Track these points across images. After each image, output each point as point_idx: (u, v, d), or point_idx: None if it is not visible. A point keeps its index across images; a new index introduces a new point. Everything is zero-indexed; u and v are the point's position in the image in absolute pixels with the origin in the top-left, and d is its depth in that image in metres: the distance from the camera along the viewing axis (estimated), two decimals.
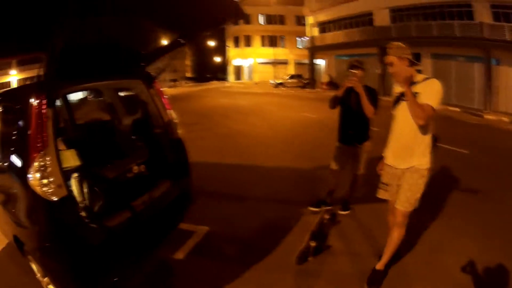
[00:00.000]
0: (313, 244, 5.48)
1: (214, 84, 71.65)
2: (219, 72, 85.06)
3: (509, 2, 27.30)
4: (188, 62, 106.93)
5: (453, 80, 30.93)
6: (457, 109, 25.76)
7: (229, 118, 21.91)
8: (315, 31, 52.45)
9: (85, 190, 4.44)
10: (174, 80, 73.36)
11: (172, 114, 5.94)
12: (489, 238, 6.08)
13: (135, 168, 5.55)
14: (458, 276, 5.03)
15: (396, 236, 4.80)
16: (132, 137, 6.33)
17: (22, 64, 48.38)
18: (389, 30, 38.05)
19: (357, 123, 6.56)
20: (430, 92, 4.21)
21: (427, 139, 4.46)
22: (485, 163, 11.20)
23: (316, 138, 15.25)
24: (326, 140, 13.28)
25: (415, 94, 4.22)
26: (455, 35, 30.40)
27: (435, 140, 4.61)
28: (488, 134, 18.13)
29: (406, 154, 4.53)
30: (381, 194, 4.96)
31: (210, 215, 7.16)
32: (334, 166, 6.95)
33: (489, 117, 24.16)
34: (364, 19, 43.23)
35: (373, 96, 6.14)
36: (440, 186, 8.04)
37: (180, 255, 5.84)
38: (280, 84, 55.39)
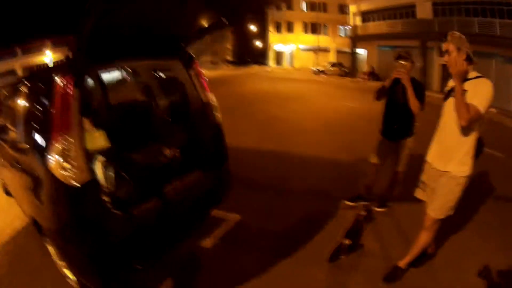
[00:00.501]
0: (347, 242, 5.30)
1: (255, 68, 71.42)
2: (260, 57, 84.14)
3: None
4: (229, 45, 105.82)
5: (491, 80, 30.02)
6: (494, 110, 25.37)
7: (270, 103, 21.56)
8: (358, 20, 51.98)
9: (112, 175, 4.08)
10: (215, 63, 73.45)
11: (212, 97, 5.68)
12: None
13: (169, 153, 5.11)
14: (476, 281, 4.89)
15: (423, 239, 4.67)
16: (169, 119, 5.97)
17: (57, 46, 48.89)
18: (431, 23, 37.50)
19: (401, 118, 6.16)
20: (479, 92, 3.88)
21: (469, 143, 4.13)
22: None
23: (356, 129, 14.98)
24: (367, 131, 12.56)
25: (463, 92, 3.87)
26: (496, 34, 29.85)
27: (481, 145, 4.30)
28: None
29: (446, 155, 4.26)
30: (419, 194, 4.78)
31: (244, 203, 6.90)
32: (374, 160, 6.69)
33: None
34: (407, 11, 42.64)
35: (420, 90, 5.80)
36: (473, 190, 6.37)
37: (208, 243, 5.72)
38: (321, 71, 54.57)
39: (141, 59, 5.44)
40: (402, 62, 5.92)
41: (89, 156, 3.84)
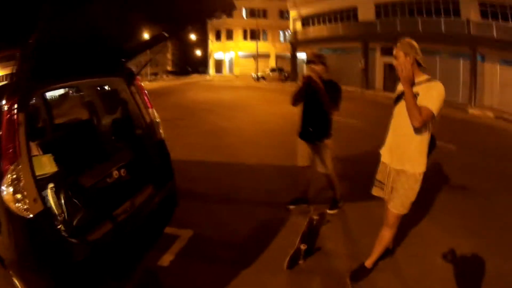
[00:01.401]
0: (303, 247, 5.23)
1: (195, 77, 71.94)
2: (200, 66, 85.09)
3: (496, 1, 27.83)
4: (169, 55, 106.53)
5: (437, 76, 30.67)
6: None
7: (212, 113, 21.36)
8: (298, 25, 52.49)
9: (63, 201, 3.95)
10: (155, 74, 73.20)
11: (154, 113, 5.56)
12: (474, 233, 6.16)
13: (116, 173, 5.02)
14: (442, 267, 5.15)
15: (387, 236, 4.79)
16: (113, 138, 5.90)
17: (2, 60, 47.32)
18: (373, 25, 38.27)
19: (316, 120, 6.28)
20: (431, 95, 4.10)
21: (423, 142, 4.36)
22: (470, 159, 11.36)
23: None
24: None
25: (415, 95, 4.11)
26: (441, 32, 30.79)
27: (433, 142, 4.52)
28: (472, 128, 18.71)
29: (402, 155, 4.44)
30: (376, 192, 4.86)
31: (195, 217, 6.80)
32: (300, 162, 6.69)
33: (474, 111, 24.87)
34: (348, 14, 43.14)
35: (335, 91, 6.09)
36: (428, 182, 7.44)
37: (165, 261, 5.49)
38: (261, 77, 55.71)
39: (84, 77, 5.08)
40: (312, 66, 6.06)
41: (39, 184, 3.60)
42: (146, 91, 5.59)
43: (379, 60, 38.96)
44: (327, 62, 6.13)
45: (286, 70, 57.18)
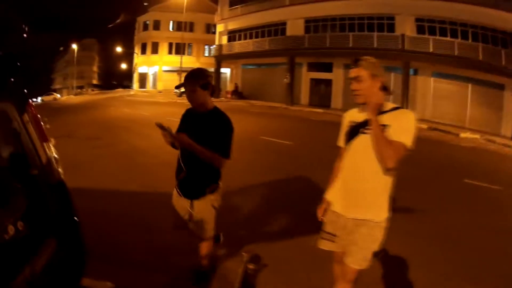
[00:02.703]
0: None
1: (119, 92, 70.72)
2: (126, 80, 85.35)
3: (434, 16, 29.35)
4: (95, 68, 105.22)
5: None
6: None
7: (131, 131, 20.44)
8: (224, 40, 52.42)
9: None
10: (81, 87, 71.91)
11: (51, 147, 4.39)
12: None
13: (11, 228, 3.68)
14: None
15: None
16: (4, 181, 4.33)
17: None
18: (302, 39, 38.35)
19: (194, 163, 4.41)
20: (402, 126, 3.39)
21: (389, 183, 3.60)
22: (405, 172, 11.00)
23: None
24: (238, 157, 12.81)
25: (383, 128, 3.38)
26: (374, 47, 31.29)
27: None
28: None
29: (361, 202, 3.66)
30: (325, 245, 4.02)
31: (113, 269, 5.53)
32: (173, 222, 4.93)
33: None
34: (276, 28, 43.41)
35: (221, 130, 4.37)
36: None
37: None
38: (184, 93, 54.16)
39: None
40: (189, 92, 4.40)
41: None
42: (40, 119, 4.41)
43: (305, 75, 39.57)
44: (211, 80, 4.42)
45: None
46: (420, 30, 30.48)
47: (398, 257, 5.77)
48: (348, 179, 3.79)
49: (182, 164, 4.47)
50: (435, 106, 30.40)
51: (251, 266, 5.13)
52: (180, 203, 4.70)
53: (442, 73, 29.38)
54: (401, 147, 3.38)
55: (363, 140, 3.56)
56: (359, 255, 3.76)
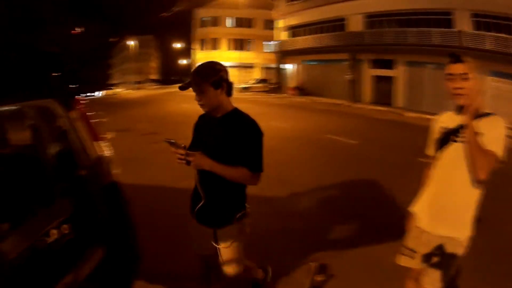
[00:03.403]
0: None
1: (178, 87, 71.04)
2: (184, 75, 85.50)
3: (490, 11, 27.74)
4: (153, 64, 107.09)
5: (424, 87, 32.49)
6: (431, 117, 25.87)
7: (189, 126, 19.64)
8: (284, 35, 52.54)
9: None
10: (139, 82, 72.99)
11: (104, 146, 4.19)
12: None
13: (54, 232, 3.47)
14: None
15: None
16: (48, 179, 4.19)
17: None
18: (362, 36, 37.97)
19: (215, 187, 3.57)
20: (494, 134, 3.10)
21: (477, 197, 3.34)
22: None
23: (290, 155, 13.67)
24: (302, 157, 13.46)
25: (477, 135, 3.09)
26: (432, 43, 30.63)
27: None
28: None
29: (451, 218, 3.41)
30: (405, 262, 3.81)
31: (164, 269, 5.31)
32: (195, 246, 4.07)
33: None
34: (335, 24, 42.74)
35: (245, 139, 3.47)
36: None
37: None
38: (246, 88, 55.25)
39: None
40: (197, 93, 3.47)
41: None
42: (90, 117, 4.21)
43: (367, 72, 38.87)
44: (226, 75, 3.43)
45: (270, 81, 57.05)
46: (477, 26, 29.28)
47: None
48: (438, 193, 3.55)
49: (200, 190, 3.57)
50: (494, 108, 28.47)
51: (318, 278, 4.98)
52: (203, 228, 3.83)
53: (501, 72, 27.61)
54: (493, 157, 3.09)
55: (455, 149, 3.32)
56: (435, 275, 3.55)
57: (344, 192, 9.34)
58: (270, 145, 13.40)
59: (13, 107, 4.06)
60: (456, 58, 3.13)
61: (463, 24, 29.29)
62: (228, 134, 3.40)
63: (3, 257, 3.05)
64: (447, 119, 3.46)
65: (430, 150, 3.59)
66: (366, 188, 9.78)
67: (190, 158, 3.24)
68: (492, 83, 27.75)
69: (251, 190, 6.99)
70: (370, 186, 9.79)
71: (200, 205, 3.58)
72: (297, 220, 7.48)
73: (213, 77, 3.27)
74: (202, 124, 3.72)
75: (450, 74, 3.16)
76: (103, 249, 3.93)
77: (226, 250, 3.76)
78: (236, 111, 3.52)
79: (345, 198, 8.91)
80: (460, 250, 3.45)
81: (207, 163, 3.32)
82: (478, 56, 27.26)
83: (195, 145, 3.58)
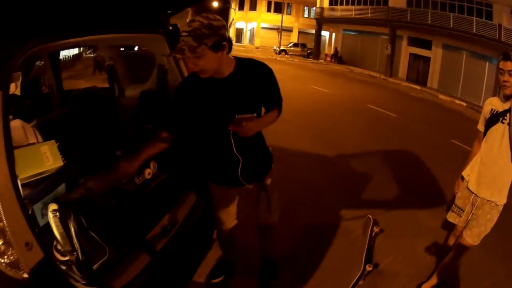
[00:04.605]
0: (369, 268, 4.66)
1: None
2: None
3: None
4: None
5: (461, 74, 31.54)
6: (463, 104, 25.84)
7: None
8: (325, 2, 51.27)
9: (75, 231, 2.36)
10: None
11: None
12: None
13: (147, 171, 3.45)
14: None
15: (452, 263, 4.42)
16: (141, 117, 4.39)
17: None
18: (404, 13, 37.15)
19: (249, 148, 3.31)
20: None
21: None
22: None
23: (333, 117, 14.51)
24: (346, 122, 13.83)
25: None
26: (471, 31, 30.01)
27: None
28: None
29: (493, 185, 4.00)
30: (453, 218, 4.46)
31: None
32: (223, 220, 3.81)
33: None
34: None
35: (266, 83, 3.22)
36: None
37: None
38: (283, 51, 54.95)
39: (103, 31, 3.37)
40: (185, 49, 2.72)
41: (33, 204, 2.36)
42: None
43: (405, 49, 38.29)
44: (225, 33, 2.74)
45: (308, 46, 56.15)
46: None
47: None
48: (484, 162, 4.06)
49: (237, 154, 3.20)
50: None
51: (376, 229, 5.54)
52: (233, 194, 3.67)
53: None
54: None
55: (501, 128, 3.81)
56: (475, 231, 4.13)
57: (387, 158, 9.73)
58: (316, 109, 14.42)
59: (129, 36, 4.05)
60: (507, 57, 3.52)
61: (503, 18, 28.59)
62: (245, 87, 3.05)
63: (109, 194, 3.15)
64: (497, 103, 3.92)
65: (480, 126, 4.13)
66: (407, 157, 10.22)
67: (249, 124, 2.89)
68: None
69: (305, 148, 8.42)
70: (411, 157, 10.22)
71: (240, 167, 3.26)
72: (343, 179, 8.04)
73: (212, 38, 2.65)
74: (199, 91, 3.03)
75: (501, 69, 3.60)
76: (195, 192, 3.91)
77: (274, 196, 3.78)
78: (240, 64, 3.07)
79: (388, 164, 9.28)
80: (496, 213, 4.03)
81: (260, 124, 3.18)
82: None
83: (189, 114, 3.09)
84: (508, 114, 3.69)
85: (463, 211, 4.33)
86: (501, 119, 3.80)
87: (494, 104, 3.96)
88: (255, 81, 3.09)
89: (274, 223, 3.96)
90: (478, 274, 5.11)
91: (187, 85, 3.11)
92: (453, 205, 4.45)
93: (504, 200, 3.99)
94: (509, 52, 3.56)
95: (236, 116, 2.87)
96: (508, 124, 3.67)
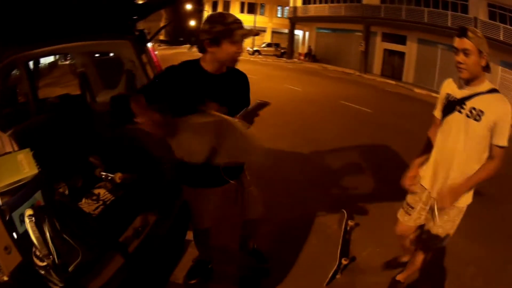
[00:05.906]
0: (345, 261, 4.60)
1: (186, 48, 69.94)
2: (193, 37, 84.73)
3: (507, 5, 27.51)
4: (162, 24, 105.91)
5: (437, 67, 32.22)
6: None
7: None
8: (298, 1, 52.17)
9: (50, 234, 2.37)
10: None
11: None
12: None
13: (120, 175, 3.69)
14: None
15: (420, 259, 4.05)
16: (114, 122, 4.33)
17: None
18: (378, 9, 37.77)
19: None
20: (502, 123, 3.13)
21: (476, 170, 3.35)
22: None
23: (309, 115, 14.50)
24: (321, 120, 14.03)
25: (478, 114, 3.17)
26: (447, 25, 30.25)
27: None
28: None
29: (448, 181, 3.48)
30: (401, 216, 4.02)
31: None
32: (199, 221, 3.83)
33: None
34: None
35: (246, 89, 3.46)
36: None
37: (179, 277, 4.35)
38: (256, 51, 55.69)
39: (74, 39, 3.82)
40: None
41: (13, 211, 2.27)
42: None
43: (379, 45, 38.89)
44: (239, 30, 2.94)
45: (282, 46, 57.10)
46: (491, 16, 28.72)
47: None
48: (440, 158, 3.62)
49: None
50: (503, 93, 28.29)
51: (350, 223, 5.53)
52: (208, 194, 3.55)
53: (510, 62, 27.38)
54: (499, 152, 3.21)
55: (457, 119, 3.37)
56: (434, 233, 3.72)
57: (362, 152, 9.87)
58: (291, 107, 14.04)
59: (98, 43, 4.36)
60: (462, 32, 3.10)
61: (479, 12, 29.08)
62: (234, 87, 3.26)
63: (83, 198, 3.41)
64: (454, 88, 3.48)
65: (437, 112, 3.65)
66: (382, 150, 10.31)
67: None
68: (502, 74, 28.04)
69: (283, 146, 8.68)
70: (387, 150, 10.32)
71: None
72: (320, 174, 8.08)
73: (207, 34, 2.90)
74: (193, 81, 3.09)
75: (455, 48, 3.17)
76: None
77: (255, 189, 3.82)
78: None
79: (364, 157, 9.44)
80: (457, 214, 3.58)
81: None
82: (490, 45, 27.77)
83: (172, 95, 3.08)
84: (466, 103, 3.26)
85: (412, 208, 3.90)
86: (458, 107, 3.35)
87: (451, 88, 3.50)
88: (239, 84, 3.34)
89: (261, 215, 4.00)
90: (462, 261, 5.10)
91: (180, 70, 3.14)
92: (404, 202, 4.01)
93: (468, 200, 3.53)
94: (466, 27, 3.13)
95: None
96: (467, 116, 3.24)
